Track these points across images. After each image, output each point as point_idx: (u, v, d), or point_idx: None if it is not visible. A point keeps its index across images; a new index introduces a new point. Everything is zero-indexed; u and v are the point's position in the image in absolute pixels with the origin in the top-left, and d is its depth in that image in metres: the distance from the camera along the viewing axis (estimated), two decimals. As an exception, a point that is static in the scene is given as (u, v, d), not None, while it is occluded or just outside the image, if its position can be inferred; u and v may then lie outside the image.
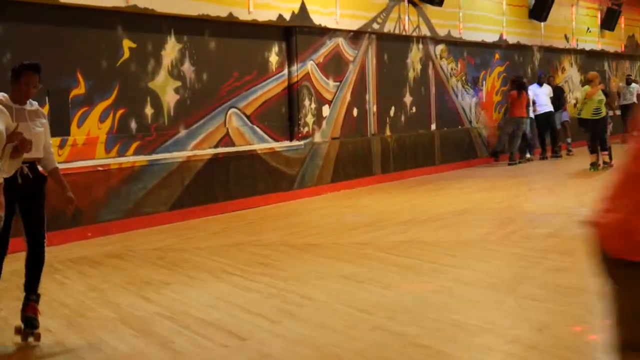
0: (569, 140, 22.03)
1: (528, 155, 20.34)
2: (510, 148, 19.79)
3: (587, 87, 17.13)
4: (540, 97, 20.77)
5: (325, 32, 15.29)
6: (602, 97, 17.06)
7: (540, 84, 20.95)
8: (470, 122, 20.11)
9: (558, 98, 21.57)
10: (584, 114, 17.06)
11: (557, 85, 22.43)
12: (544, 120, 20.83)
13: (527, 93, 19.74)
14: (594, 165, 16.99)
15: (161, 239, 10.72)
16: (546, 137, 21.25)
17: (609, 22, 26.60)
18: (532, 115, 20.30)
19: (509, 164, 19.29)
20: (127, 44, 11.75)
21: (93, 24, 11.30)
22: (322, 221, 11.77)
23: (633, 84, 25.23)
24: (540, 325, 5.89)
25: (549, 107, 20.84)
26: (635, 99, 24.48)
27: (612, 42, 27.64)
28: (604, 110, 17.07)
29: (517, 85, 19.64)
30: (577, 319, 6.09)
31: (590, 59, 26.48)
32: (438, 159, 18.49)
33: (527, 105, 19.82)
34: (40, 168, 6.57)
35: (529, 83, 20.79)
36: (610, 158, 17.09)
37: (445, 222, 11.13)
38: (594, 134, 16.89)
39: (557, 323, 5.97)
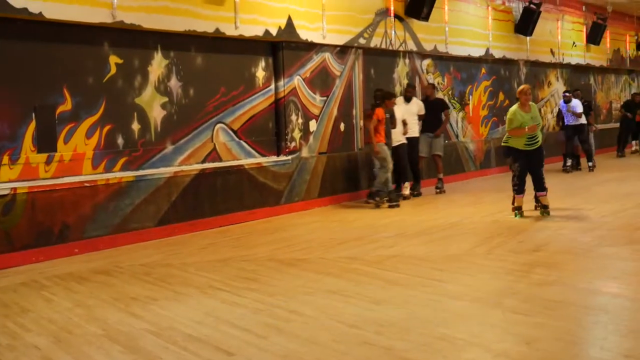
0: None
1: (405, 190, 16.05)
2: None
3: (514, 107, 12.67)
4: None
5: (312, 47, 15.32)
6: (538, 118, 12.64)
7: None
8: (457, 136, 20.17)
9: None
10: (514, 142, 12.59)
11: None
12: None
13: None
14: (519, 211, 12.69)
15: (148, 255, 10.71)
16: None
17: (594, 36, 26.74)
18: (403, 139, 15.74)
19: (390, 206, 14.83)
20: (113, 59, 11.75)
21: (79, 40, 11.31)
22: (309, 236, 11.78)
23: (574, 101, 20.37)
24: (527, 339, 5.91)
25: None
26: (580, 119, 20.25)
27: (598, 56, 27.79)
28: (540, 138, 12.70)
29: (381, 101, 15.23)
30: (563, 332, 6.11)
31: (576, 73, 26.61)
32: (425, 173, 18.51)
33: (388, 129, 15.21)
34: None
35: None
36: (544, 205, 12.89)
37: (432, 236, 11.15)
38: (530, 168, 12.60)
39: (543, 337, 5.98)
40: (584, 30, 26.78)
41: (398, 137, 15.51)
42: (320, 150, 15.49)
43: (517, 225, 11.70)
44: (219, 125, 13.40)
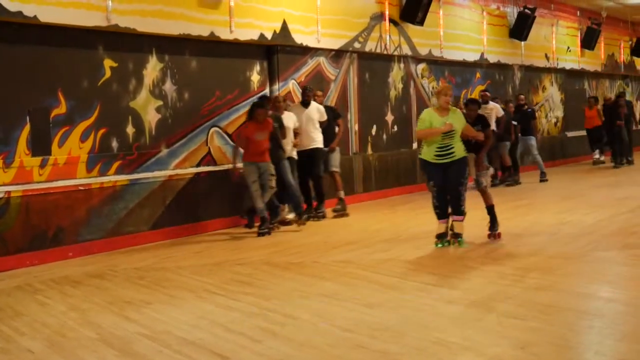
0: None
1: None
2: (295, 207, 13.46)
3: (429, 109, 10.40)
4: None
5: (306, 51, 15.33)
6: (459, 122, 10.33)
7: None
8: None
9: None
10: (425, 152, 10.39)
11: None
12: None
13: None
14: (440, 240, 10.52)
15: (142, 259, 10.69)
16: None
17: (588, 41, 26.78)
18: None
19: (259, 232, 12.54)
20: (108, 63, 11.74)
21: (74, 44, 11.30)
22: (304, 240, 11.77)
23: (491, 103, 18.14)
24: (522, 344, 5.90)
25: None
26: (494, 125, 17.33)
27: (592, 61, 27.83)
28: (458, 148, 10.31)
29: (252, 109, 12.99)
30: (558, 337, 6.11)
31: (570, 78, 26.65)
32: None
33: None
34: None
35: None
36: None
37: (427, 240, 11.14)
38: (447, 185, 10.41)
39: (538, 341, 5.98)
40: (579, 35, 26.82)
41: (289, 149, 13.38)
42: (315, 154, 15.44)
43: (512, 230, 11.69)
44: (213, 129, 13.39)
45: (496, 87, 22.01)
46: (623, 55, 30.44)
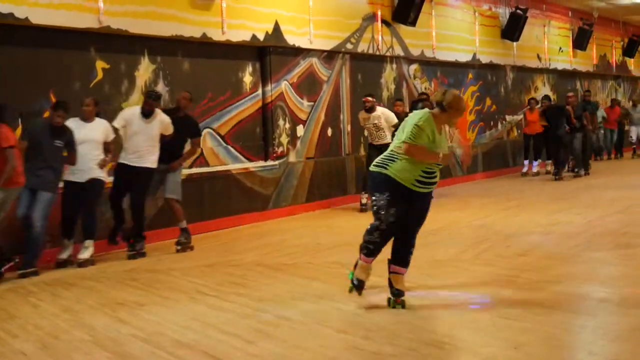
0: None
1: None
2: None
3: (428, 114, 7.33)
4: None
5: (299, 52, 15.33)
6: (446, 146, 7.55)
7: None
8: (444, 141, 20.16)
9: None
10: (401, 170, 7.36)
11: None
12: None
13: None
14: (357, 286, 7.55)
15: (135, 260, 10.68)
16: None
17: (580, 41, 26.84)
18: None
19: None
20: (100, 64, 11.73)
21: (66, 45, 11.28)
22: (297, 241, 11.77)
23: (379, 109, 14.97)
24: (515, 344, 5.91)
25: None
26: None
27: (584, 62, 27.89)
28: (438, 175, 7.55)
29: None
30: (550, 337, 6.12)
31: (562, 79, 26.70)
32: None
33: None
34: None
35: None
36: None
37: (420, 241, 11.06)
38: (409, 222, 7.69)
39: (531, 341, 5.99)
40: (571, 35, 26.88)
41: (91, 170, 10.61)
42: (307, 156, 15.49)
43: (504, 230, 11.72)
44: (206, 130, 13.37)
45: (488, 88, 22.05)
46: (615, 55, 30.51)
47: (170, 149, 11.28)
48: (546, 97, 20.85)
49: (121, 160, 10.96)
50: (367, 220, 11.44)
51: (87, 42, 11.56)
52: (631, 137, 27.19)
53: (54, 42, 11.12)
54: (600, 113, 25.21)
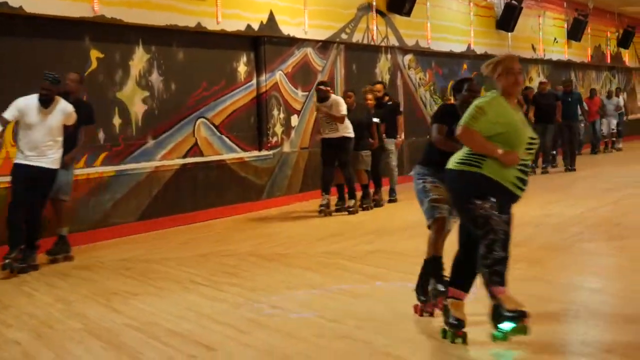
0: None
1: None
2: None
3: (495, 95, 5.80)
4: None
5: (293, 42, 15.32)
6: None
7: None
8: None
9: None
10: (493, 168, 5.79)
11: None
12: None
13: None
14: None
15: (129, 250, 10.68)
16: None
17: (575, 32, 26.85)
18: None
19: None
20: (94, 54, 11.71)
21: (60, 34, 11.26)
22: (290, 231, 11.78)
23: (333, 97, 13.39)
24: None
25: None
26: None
27: (579, 53, 27.90)
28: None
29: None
30: (544, 327, 6.14)
31: (557, 69, 26.70)
32: (407, 168, 18.54)
33: None
34: None
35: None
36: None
37: (413, 231, 11.15)
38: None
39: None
40: (565, 26, 26.88)
41: None
42: (302, 146, 15.49)
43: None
44: (200, 120, 13.37)
45: (483, 79, 21.99)
46: (610, 46, 30.52)
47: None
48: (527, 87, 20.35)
49: (18, 161, 9.38)
50: (353, 216, 11.35)
51: (82, 32, 11.54)
52: (602, 130, 25.77)
53: (48, 31, 11.10)
54: (616, 101, 25.64)
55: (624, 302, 6.97)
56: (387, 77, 18.02)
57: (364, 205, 13.59)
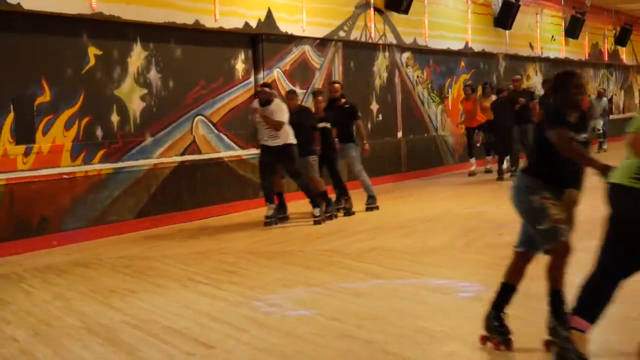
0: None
1: None
2: None
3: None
4: None
5: (291, 40, 15.31)
6: None
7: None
8: (437, 129, 20.20)
9: None
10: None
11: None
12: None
13: None
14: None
15: (127, 247, 10.68)
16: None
17: (573, 30, 26.86)
18: None
19: None
20: (92, 51, 11.70)
21: (58, 31, 11.25)
22: (289, 229, 11.78)
23: (275, 101, 12.22)
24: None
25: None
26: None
27: (576, 50, 27.91)
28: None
29: None
30: (541, 324, 6.14)
31: (554, 67, 26.70)
32: (404, 166, 18.57)
33: None
34: None
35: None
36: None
37: (412, 229, 11.18)
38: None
39: (522, 330, 6.00)
40: (563, 24, 26.89)
41: None
42: (299, 143, 15.45)
43: (496, 219, 11.73)
44: (198, 117, 13.37)
45: (481, 76, 22.03)
46: (607, 44, 30.54)
47: None
48: (486, 83, 19.25)
49: None
50: (355, 208, 11.42)
51: (80, 28, 11.53)
52: (600, 129, 25.16)
53: (46, 28, 11.08)
54: (605, 103, 24.97)
55: (622, 299, 6.97)
56: (385, 75, 18.02)
57: (328, 214, 12.44)
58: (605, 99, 26.00)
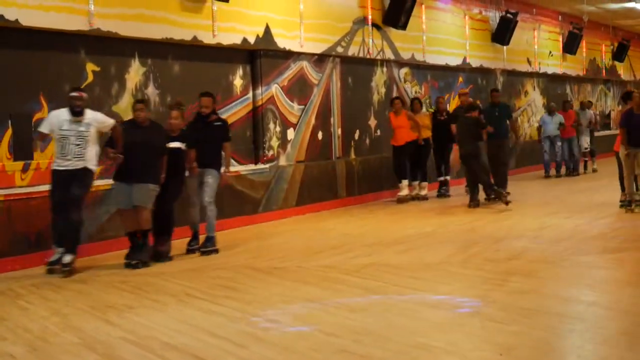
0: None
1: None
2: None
3: None
4: None
5: (289, 56, 15.33)
6: None
7: None
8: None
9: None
10: None
11: None
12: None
13: None
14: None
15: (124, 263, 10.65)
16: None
17: (570, 45, 26.90)
18: None
19: None
20: (90, 67, 11.71)
21: (56, 47, 11.26)
22: (287, 244, 11.77)
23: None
24: (504, 348, 5.92)
25: None
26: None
27: (574, 66, 27.97)
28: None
29: None
30: (540, 341, 6.14)
31: (552, 83, 26.77)
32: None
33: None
34: None
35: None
36: None
37: (409, 244, 11.17)
38: None
39: (520, 345, 6.00)
40: (560, 39, 26.95)
41: None
42: (298, 159, 15.49)
43: (493, 234, 11.74)
44: (196, 133, 13.34)
45: (479, 92, 22.07)
46: (605, 59, 30.61)
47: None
48: (415, 98, 17.61)
49: None
50: (354, 223, 11.40)
51: (78, 45, 11.54)
52: (586, 146, 22.54)
53: (44, 44, 11.10)
54: (559, 118, 21.19)
55: (619, 315, 6.97)
56: (383, 91, 18.05)
57: (133, 262, 10.26)
58: (589, 112, 22.96)
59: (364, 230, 12.93)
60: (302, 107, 15.66)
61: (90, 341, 6.67)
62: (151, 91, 12.56)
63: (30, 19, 10.62)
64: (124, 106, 12.12)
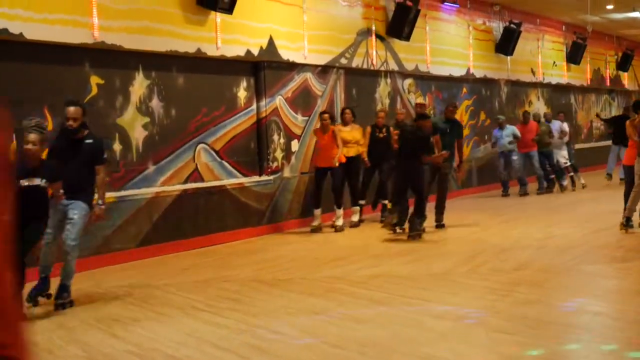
0: None
1: None
2: None
3: None
4: None
5: (293, 67, 15.34)
6: None
7: None
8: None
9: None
10: None
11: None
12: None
13: None
14: None
15: (130, 276, 10.65)
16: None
17: (574, 56, 26.92)
18: None
19: None
20: (94, 80, 11.72)
21: (60, 61, 11.28)
22: (292, 256, 11.75)
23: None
24: (510, 358, 5.90)
25: None
26: None
27: (578, 76, 27.97)
28: None
29: None
30: (547, 351, 6.11)
31: (556, 93, 26.76)
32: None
33: None
34: None
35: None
36: None
37: (415, 255, 11.15)
38: None
39: (526, 355, 5.98)
40: (564, 49, 26.96)
41: None
42: (302, 170, 15.48)
43: (499, 244, 11.72)
44: (200, 145, 13.37)
45: (483, 102, 22.07)
46: (609, 69, 30.60)
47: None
48: (345, 108, 15.37)
49: None
50: (360, 234, 11.40)
51: (82, 58, 11.56)
52: (565, 161, 20.72)
53: (49, 57, 11.11)
54: (510, 131, 19.60)
55: (626, 325, 6.94)
56: (387, 102, 18.05)
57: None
58: (558, 123, 21.08)
59: (370, 240, 12.91)
60: (306, 118, 15.66)
61: (95, 354, 6.66)
62: (155, 104, 12.57)
63: (35, 32, 10.64)
64: (128, 119, 12.13)
